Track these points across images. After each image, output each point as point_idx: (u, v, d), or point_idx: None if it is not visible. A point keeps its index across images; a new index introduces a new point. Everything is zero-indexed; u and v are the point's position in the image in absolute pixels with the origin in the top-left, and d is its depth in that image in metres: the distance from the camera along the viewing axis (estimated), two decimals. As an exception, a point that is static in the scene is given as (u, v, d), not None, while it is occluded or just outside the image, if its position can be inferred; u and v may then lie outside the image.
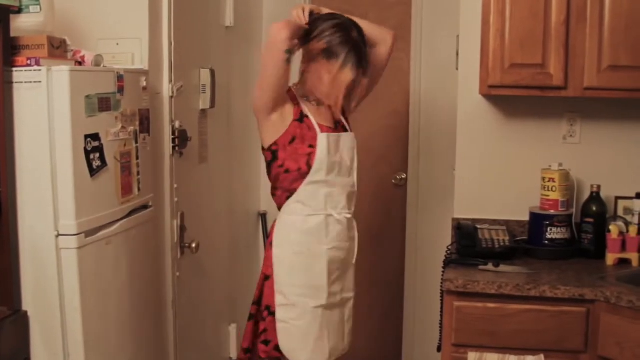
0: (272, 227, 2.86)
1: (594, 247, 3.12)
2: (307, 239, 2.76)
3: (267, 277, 2.80)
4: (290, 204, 2.76)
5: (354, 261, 2.90)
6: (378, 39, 2.87)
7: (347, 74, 2.69)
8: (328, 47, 2.68)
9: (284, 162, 2.72)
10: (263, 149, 2.79)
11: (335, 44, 2.68)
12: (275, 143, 2.73)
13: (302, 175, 2.72)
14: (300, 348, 2.77)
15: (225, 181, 4.05)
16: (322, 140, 2.72)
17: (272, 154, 2.74)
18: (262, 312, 2.81)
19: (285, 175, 2.73)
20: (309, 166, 2.71)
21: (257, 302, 2.83)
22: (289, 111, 2.74)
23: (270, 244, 2.81)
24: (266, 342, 2.79)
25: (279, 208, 2.82)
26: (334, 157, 2.75)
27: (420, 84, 4.25)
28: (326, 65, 2.70)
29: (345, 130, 2.87)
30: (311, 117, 2.75)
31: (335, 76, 2.69)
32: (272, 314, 2.77)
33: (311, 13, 2.73)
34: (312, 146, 2.72)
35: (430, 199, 4.27)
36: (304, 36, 2.72)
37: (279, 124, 2.73)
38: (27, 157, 2.48)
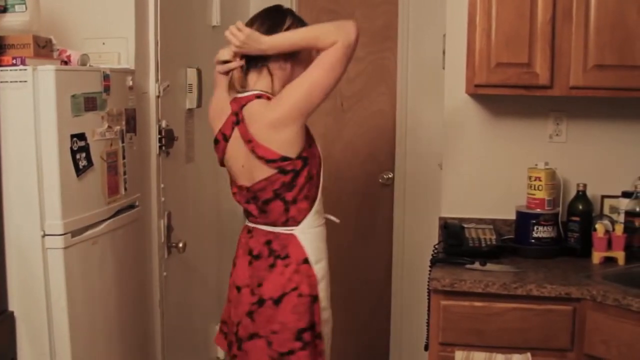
0: (291, 244, 2.48)
1: (580, 246, 3.14)
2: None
3: (315, 299, 2.47)
4: (311, 215, 2.48)
5: None
6: (333, 38, 2.38)
7: None
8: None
9: (311, 169, 2.45)
10: (285, 159, 2.40)
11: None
12: (304, 149, 2.42)
13: (319, 179, 2.50)
14: None
15: (212, 181, 4.04)
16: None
17: (303, 161, 2.42)
18: (315, 338, 2.49)
19: (310, 182, 2.46)
20: (321, 168, 2.51)
21: (311, 327, 2.47)
22: None
23: (306, 261, 2.46)
24: None
25: (297, 223, 2.48)
26: None
27: (407, 83, 4.25)
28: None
29: None
30: None
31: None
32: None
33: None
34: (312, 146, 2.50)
35: (417, 198, 4.27)
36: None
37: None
38: (13, 157, 2.47)
